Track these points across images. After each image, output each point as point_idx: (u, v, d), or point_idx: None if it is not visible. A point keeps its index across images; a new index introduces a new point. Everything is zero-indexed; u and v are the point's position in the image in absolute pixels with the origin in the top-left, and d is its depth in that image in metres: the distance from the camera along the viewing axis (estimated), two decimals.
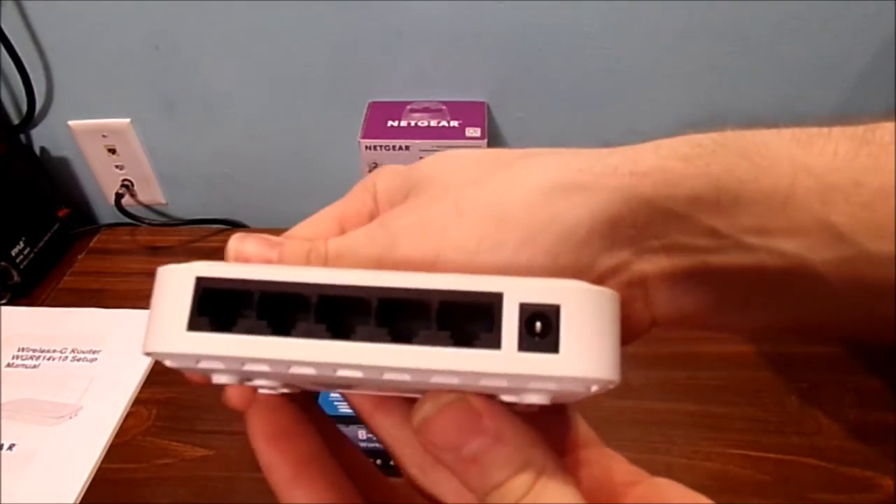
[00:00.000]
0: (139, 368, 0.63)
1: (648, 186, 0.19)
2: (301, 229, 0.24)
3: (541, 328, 0.16)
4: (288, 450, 0.20)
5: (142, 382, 0.62)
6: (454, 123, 0.68)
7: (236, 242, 0.22)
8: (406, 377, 0.16)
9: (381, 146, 0.66)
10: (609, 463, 0.22)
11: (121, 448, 0.56)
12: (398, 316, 0.16)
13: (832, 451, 0.54)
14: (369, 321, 0.16)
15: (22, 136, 0.79)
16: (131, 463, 0.55)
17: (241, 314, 0.16)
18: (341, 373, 0.16)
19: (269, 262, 0.20)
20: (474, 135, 0.66)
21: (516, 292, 0.16)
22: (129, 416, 0.59)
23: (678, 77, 0.69)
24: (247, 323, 0.16)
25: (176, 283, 0.17)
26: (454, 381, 0.16)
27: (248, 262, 0.20)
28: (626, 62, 0.68)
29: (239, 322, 0.16)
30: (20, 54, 0.70)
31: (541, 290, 0.16)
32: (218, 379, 0.18)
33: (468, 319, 0.16)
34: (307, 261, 0.20)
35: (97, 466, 0.55)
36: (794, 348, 0.63)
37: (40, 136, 0.79)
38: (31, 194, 0.77)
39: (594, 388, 0.16)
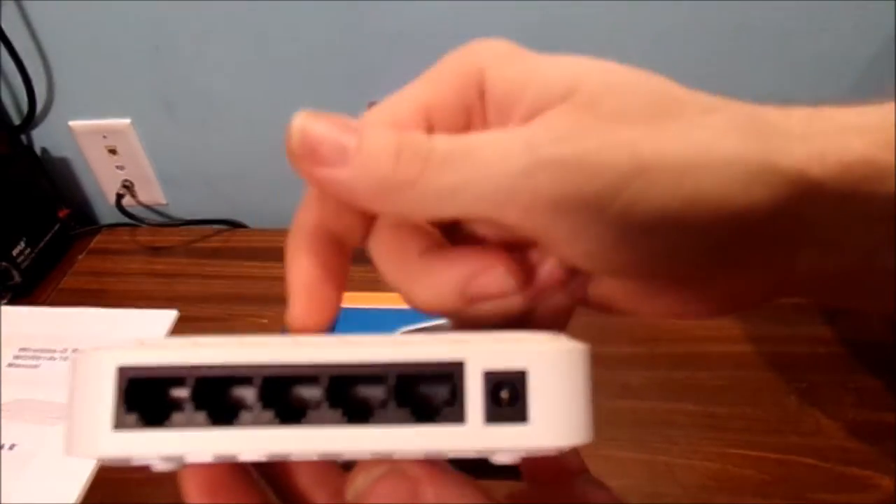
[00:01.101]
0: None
1: (850, 183, 0.16)
2: (376, 114, 0.20)
3: (508, 397, 0.14)
4: None
5: None
6: None
7: (305, 121, 0.18)
8: (366, 457, 0.15)
9: None
10: (588, 491, 0.20)
11: None
12: (352, 393, 0.15)
13: (832, 451, 0.54)
14: (321, 402, 0.15)
15: (22, 137, 0.79)
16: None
17: (176, 405, 0.15)
18: (295, 457, 0.15)
19: (343, 151, 0.17)
20: None
21: (479, 359, 0.14)
22: None
23: (678, 77, 0.69)
24: (183, 415, 0.14)
25: (95, 374, 0.15)
26: (418, 455, 0.15)
27: (315, 149, 0.17)
28: (627, 62, 0.68)
29: (173, 415, 0.14)
30: (20, 54, 0.70)
31: (505, 355, 0.15)
32: (158, 468, 0.16)
33: (429, 390, 0.15)
34: (396, 160, 0.16)
35: (97, 466, 0.55)
36: (794, 348, 0.63)
37: (41, 137, 0.79)
38: (31, 194, 0.77)
39: (565, 450, 0.15)
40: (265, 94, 0.74)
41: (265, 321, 0.68)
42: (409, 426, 0.14)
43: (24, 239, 0.73)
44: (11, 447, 0.56)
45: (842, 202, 0.16)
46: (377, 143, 0.16)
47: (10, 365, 0.63)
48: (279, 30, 0.69)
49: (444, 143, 0.16)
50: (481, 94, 0.18)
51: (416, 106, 0.19)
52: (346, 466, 0.19)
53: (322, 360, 0.15)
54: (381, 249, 0.19)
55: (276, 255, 0.78)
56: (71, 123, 0.77)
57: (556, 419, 0.14)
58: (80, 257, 0.79)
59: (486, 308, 0.18)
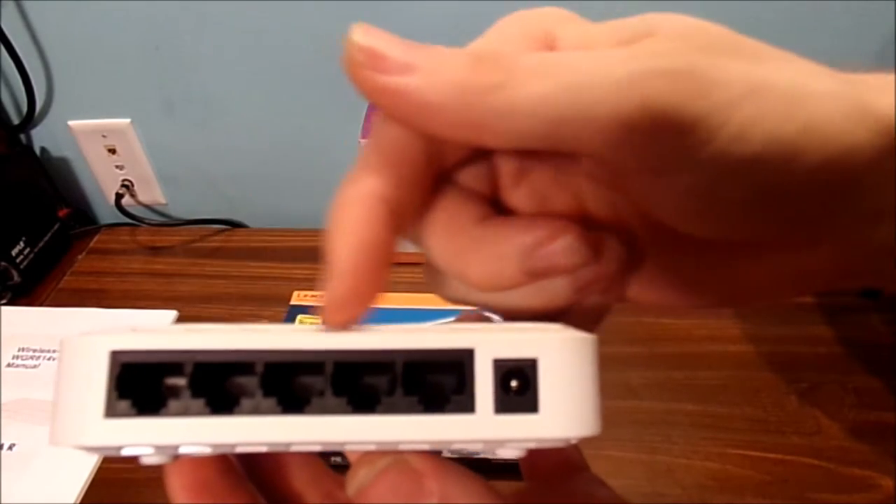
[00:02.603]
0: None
1: None
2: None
3: (517, 386, 0.14)
4: None
5: None
6: None
7: (366, 29, 0.16)
8: (371, 447, 0.15)
9: None
10: (591, 490, 0.19)
11: None
12: (358, 380, 0.14)
13: (832, 451, 0.54)
14: (325, 390, 0.14)
15: (22, 136, 0.79)
16: (131, 463, 0.55)
17: (172, 391, 0.14)
18: (296, 448, 0.14)
19: (412, 58, 0.14)
20: None
21: (489, 347, 0.14)
22: None
23: None
24: (179, 403, 0.14)
25: (86, 359, 0.13)
26: (424, 446, 0.15)
27: (380, 54, 0.15)
28: None
29: (170, 402, 0.14)
30: (20, 54, 0.70)
31: (515, 344, 0.14)
32: (147, 461, 0.15)
33: (438, 379, 0.14)
34: (475, 65, 0.14)
35: (97, 466, 0.55)
36: (794, 348, 0.63)
37: (40, 136, 0.79)
38: (31, 194, 0.77)
39: (573, 441, 0.15)
40: (265, 94, 0.74)
41: (265, 321, 0.68)
42: (416, 415, 0.14)
43: (24, 239, 0.73)
44: (11, 447, 0.56)
45: None
46: (451, 51, 0.14)
47: (9, 365, 0.63)
48: (279, 30, 0.69)
49: (529, 55, 0.14)
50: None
51: None
52: (337, 469, 0.19)
53: (326, 347, 0.14)
54: (436, 220, 0.17)
55: (276, 255, 0.79)
56: (70, 123, 0.77)
57: (566, 409, 0.14)
58: (79, 257, 0.79)
59: (546, 290, 0.16)
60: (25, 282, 0.73)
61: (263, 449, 0.15)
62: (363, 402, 0.14)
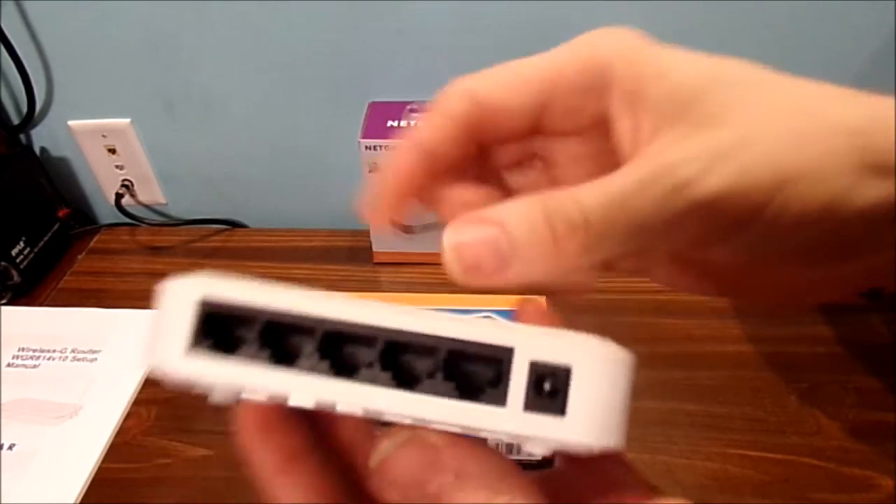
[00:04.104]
0: (139, 368, 0.63)
1: None
2: (494, 77, 0.21)
3: (549, 389, 0.15)
4: (273, 443, 0.19)
5: (142, 382, 0.62)
6: None
7: (451, 237, 0.17)
8: (406, 421, 0.16)
9: (381, 146, 0.66)
10: (618, 473, 0.20)
11: (121, 448, 0.56)
12: (404, 359, 0.16)
13: (832, 451, 0.54)
14: (374, 362, 0.15)
15: (22, 136, 0.79)
16: (131, 463, 0.55)
17: (244, 340, 0.16)
18: (340, 409, 0.16)
19: (500, 255, 0.16)
20: None
21: (528, 349, 0.15)
22: (129, 416, 0.59)
23: None
24: (248, 350, 0.16)
25: (180, 301, 0.16)
26: (454, 429, 0.16)
27: (476, 265, 0.16)
28: None
29: (240, 349, 0.16)
30: (20, 54, 0.70)
31: (554, 349, 0.15)
32: (214, 399, 0.17)
33: (476, 370, 0.15)
34: (554, 241, 0.16)
35: (97, 466, 0.55)
36: (794, 348, 0.63)
37: (40, 136, 0.79)
38: (31, 194, 0.77)
39: (596, 452, 0.15)
40: (265, 95, 0.74)
41: None
42: (451, 400, 0.15)
43: (24, 239, 0.73)
44: (11, 447, 0.56)
45: None
46: (527, 230, 0.16)
47: (9, 365, 0.63)
48: (279, 30, 0.69)
49: (592, 201, 0.16)
50: (606, 83, 0.19)
51: (538, 77, 0.20)
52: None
53: (381, 325, 0.15)
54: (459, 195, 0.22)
55: (276, 255, 0.79)
56: (70, 123, 0.77)
57: (591, 419, 0.15)
58: (79, 257, 0.79)
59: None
60: (25, 282, 0.73)
61: (311, 405, 0.16)
62: (406, 379, 0.15)
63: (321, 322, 0.15)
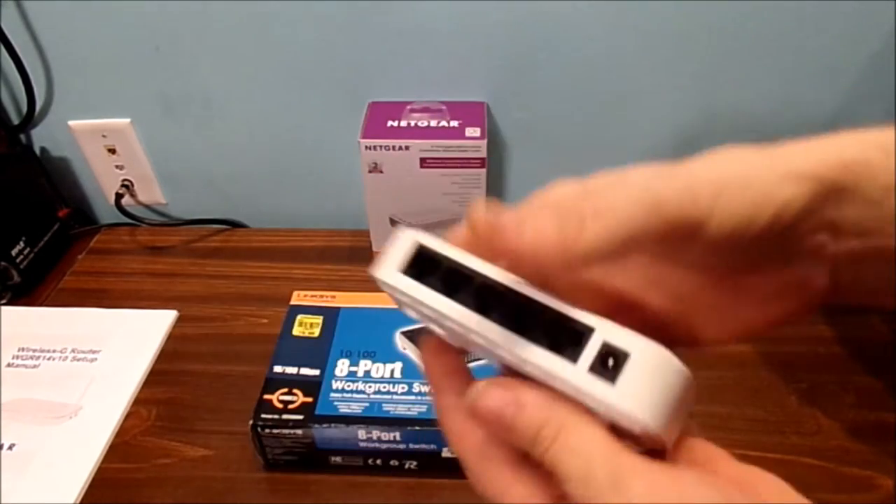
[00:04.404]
0: (139, 368, 0.63)
1: (852, 176, 0.20)
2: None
3: (611, 364, 0.20)
4: (440, 360, 0.25)
5: (142, 382, 0.62)
6: (454, 123, 0.68)
7: (482, 214, 0.22)
8: (511, 358, 0.21)
9: (381, 146, 0.66)
10: (713, 455, 0.23)
11: (121, 448, 0.56)
12: (525, 315, 0.21)
13: (832, 451, 0.54)
14: (504, 311, 0.21)
15: (22, 136, 0.79)
16: (131, 463, 0.55)
17: (431, 275, 0.22)
18: (472, 338, 0.22)
19: (519, 234, 0.21)
20: (474, 135, 0.66)
21: (606, 332, 0.20)
22: (129, 416, 0.59)
23: (678, 77, 0.69)
24: (432, 282, 0.22)
25: (405, 239, 0.23)
26: (536, 372, 0.21)
27: (499, 237, 0.21)
28: (626, 62, 0.68)
29: (427, 279, 0.22)
30: (20, 54, 0.70)
31: (623, 338, 0.20)
32: (406, 312, 0.26)
33: (568, 333, 0.21)
34: (560, 231, 0.20)
35: (97, 466, 0.55)
36: (794, 348, 0.63)
37: (40, 136, 0.79)
38: (31, 194, 0.77)
39: (636, 429, 0.20)
40: (265, 95, 0.74)
41: (265, 321, 0.68)
42: (541, 348, 0.21)
43: (24, 239, 0.73)
44: (11, 447, 0.56)
45: (848, 192, 0.20)
46: (539, 212, 0.21)
47: (9, 365, 0.63)
48: (279, 30, 0.69)
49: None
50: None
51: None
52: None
53: (516, 289, 0.21)
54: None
55: (276, 255, 0.79)
56: (70, 123, 0.77)
57: (633, 395, 0.19)
58: (79, 257, 0.79)
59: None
60: (25, 282, 0.73)
61: (454, 327, 0.22)
62: (521, 327, 0.21)
63: (480, 277, 0.22)
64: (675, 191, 0.20)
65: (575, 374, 0.20)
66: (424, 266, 0.23)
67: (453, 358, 0.25)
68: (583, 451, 0.20)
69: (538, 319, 0.21)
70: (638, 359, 0.19)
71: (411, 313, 0.25)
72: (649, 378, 0.19)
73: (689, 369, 0.20)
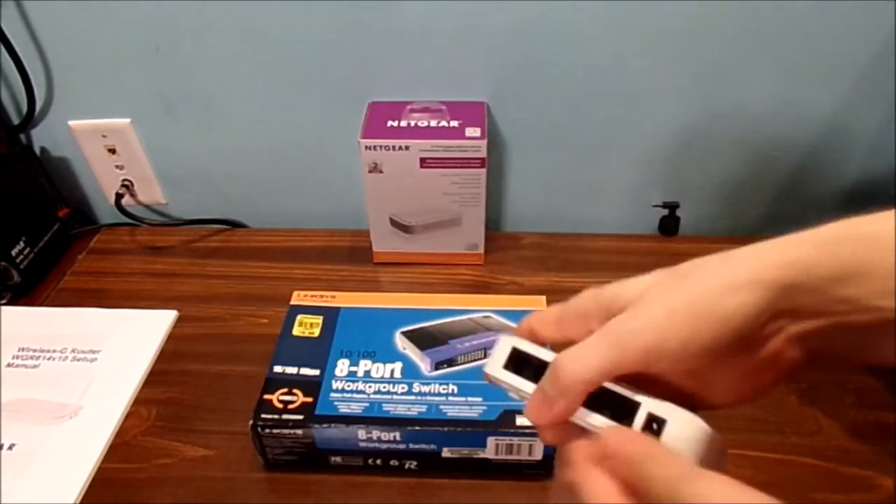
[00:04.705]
0: (139, 368, 0.63)
1: (793, 272, 0.26)
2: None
3: (654, 427, 0.27)
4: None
5: (142, 382, 0.62)
6: (454, 123, 0.68)
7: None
8: (583, 424, 0.28)
9: (381, 146, 0.66)
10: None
11: (121, 448, 0.57)
12: (592, 395, 0.28)
13: (832, 451, 0.54)
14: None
15: (22, 136, 0.79)
16: (131, 463, 0.55)
17: (524, 369, 0.30)
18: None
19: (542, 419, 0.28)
20: (474, 135, 0.66)
21: (650, 406, 0.27)
22: (129, 416, 0.59)
23: (678, 77, 0.69)
24: (523, 373, 0.30)
25: (505, 343, 0.31)
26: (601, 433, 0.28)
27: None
28: (627, 62, 0.68)
29: (521, 372, 0.30)
30: (20, 54, 0.70)
31: (662, 409, 0.27)
32: (511, 395, 0.31)
33: (625, 409, 0.27)
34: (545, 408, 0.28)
35: (97, 466, 0.55)
36: None
37: (40, 136, 0.79)
38: (31, 194, 0.77)
39: None
40: (265, 95, 0.74)
41: (265, 321, 0.68)
42: (607, 419, 0.28)
43: (24, 239, 0.74)
44: (11, 447, 0.56)
45: (795, 286, 0.25)
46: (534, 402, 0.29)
47: (9, 365, 0.63)
48: (279, 30, 0.69)
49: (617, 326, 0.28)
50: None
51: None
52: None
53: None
54: None
55: (276, 255, 0.79)
56: (70, 123, 0.77)
57: (674, 447, 0.26)
58: (79, 257, 0.79)
59: None
60: (25, 282, 0.73)
61: (525, 397, 0.30)
62: (588, 402, 0.28)
63: (545, 364, 0.29)
64: (633, 332, 0.27)
65: (633, 434, 0.27)
66: (520, 363, 0.31)
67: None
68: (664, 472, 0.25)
69: (604, 399, 0.28)
70: (672, 422, 0.26)
71: (514, 395, 0.31)
72: (681, 434, 0.26)
73: (717, 431, 0.27)
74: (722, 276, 0.26)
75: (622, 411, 0.27)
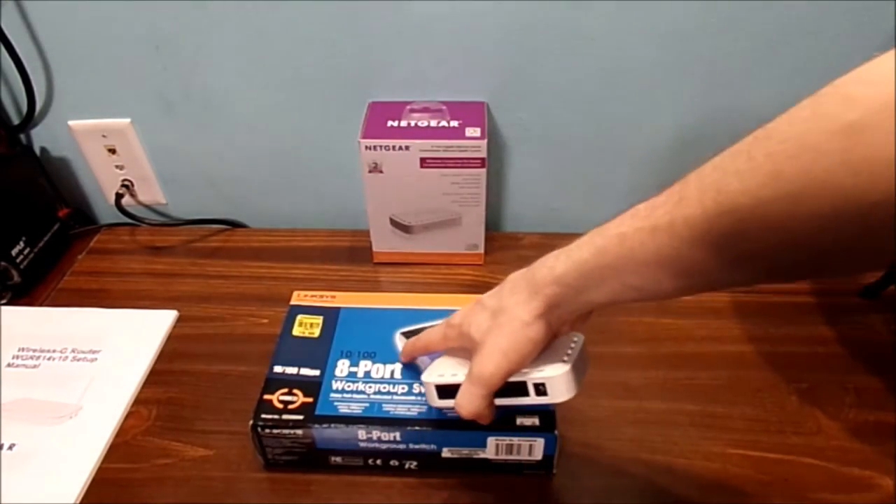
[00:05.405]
0: (139, 368, 0.63)
1: (558, 289, 0.39)
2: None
3: (542, 391, 0.41)
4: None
5: (142, 382, 0.62)
6: (454, 123, 0.68)
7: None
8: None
9: (381, 146, 0.66)
10: None
11: (121, 448, 0.57)
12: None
13: (832, 451, 0.54)
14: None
15: (22, 136, 0.79)
16: (131, 463, 0.55)
17: (450, 395, 0.45)
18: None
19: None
20: (474, 135, 0.66)
21: (533, 379, 0.41)
22: (129, 416, 0.59)
23: (678, 77, 0.69)
24: (453, 395, 0.44)
25: (428, 386, 0.46)
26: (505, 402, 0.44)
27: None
28: (627, 62, 0.68)
29: (451, 395, 0.44)
30: (20, 54, 0.70)
31: (540, 378, 0.41)
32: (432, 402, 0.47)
33: (518, 386, 0.42)
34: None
35: (97, 466, 0.55)
36: (794, 348, 0.63)
37: (40, 136, 0.79)
38: (31, 194, 0.77)
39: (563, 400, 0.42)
40: (265, 95, 0.74)
41: (265, 321, 0.68)
42: (508, 398, 0.43)
43: (24, 239, 0.74)
44: (11, 447, 0.56)
45: (570, 294, 0.39)
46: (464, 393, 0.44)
47: (9, 365, 0.63)
48: (279, 30, 0.69)
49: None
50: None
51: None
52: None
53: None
54: None
55: (276, 255, 0.79)
56: (70, 123, 0.77)
57: (556, 397, 0.41)
58: (79, 257, 0.79)
59: None
60: (25, 282, 0.73)
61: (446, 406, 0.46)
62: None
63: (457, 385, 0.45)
64: (491, 374, 0.41)
65: (531, 400, 0.42)
66: (445, 391, 0.45)
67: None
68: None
69: (504, 388, 0.42)
70: (551, 383, 0.41)
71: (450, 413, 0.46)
72: (560, 387, 0.41)
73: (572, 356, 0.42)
74: (517, 317, 0.40)
75: (519, 390, 0.42)
